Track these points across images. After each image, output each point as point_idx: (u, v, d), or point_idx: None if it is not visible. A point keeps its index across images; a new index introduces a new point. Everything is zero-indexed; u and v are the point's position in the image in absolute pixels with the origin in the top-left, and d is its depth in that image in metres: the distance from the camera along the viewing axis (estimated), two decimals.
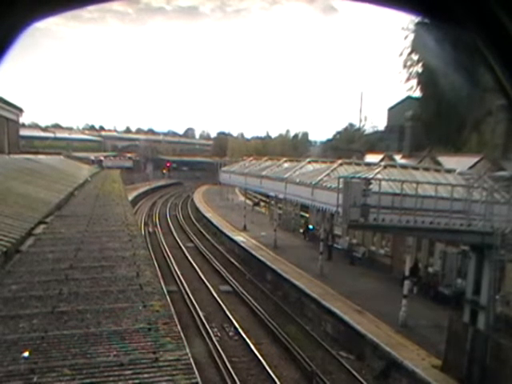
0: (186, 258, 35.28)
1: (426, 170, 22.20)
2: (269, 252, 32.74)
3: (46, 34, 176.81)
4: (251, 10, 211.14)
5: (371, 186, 17.99)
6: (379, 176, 19.89)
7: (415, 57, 42.00)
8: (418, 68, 42.15)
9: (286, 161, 36.59)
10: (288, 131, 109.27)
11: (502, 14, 1.22)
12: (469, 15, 1.30)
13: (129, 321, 6.70)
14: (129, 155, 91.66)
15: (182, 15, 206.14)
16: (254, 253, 32.59)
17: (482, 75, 25.42)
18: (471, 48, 1.40)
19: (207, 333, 20.54)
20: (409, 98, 45.64)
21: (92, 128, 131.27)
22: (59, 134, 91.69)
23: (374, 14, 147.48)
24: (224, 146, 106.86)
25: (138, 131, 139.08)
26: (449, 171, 21.71)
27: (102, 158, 75.64)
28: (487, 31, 1.28)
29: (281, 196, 32.45)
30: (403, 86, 44.05)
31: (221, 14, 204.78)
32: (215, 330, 21.34)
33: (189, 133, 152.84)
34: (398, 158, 33.12)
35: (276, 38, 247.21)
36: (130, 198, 38.45)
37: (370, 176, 19.69)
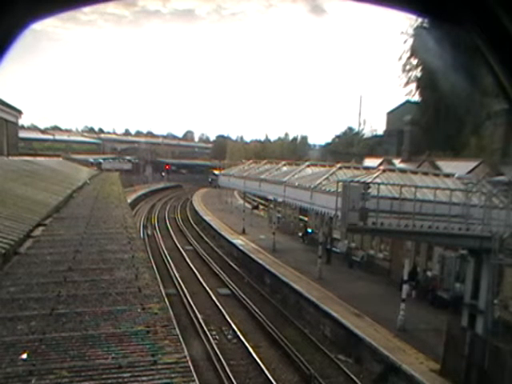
0: (185, 260, 35.25)
1: (425, 174, 22.23)
2: (267, 255, 32.72)
3: (44, 36, 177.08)
4: (247, 13, 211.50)
5: (370, 190, 18.02)
6: (378, 180, 19.93)
7: (414, 61, 42.14)
8: (417, 72, 42.28)
9: (285, 164, 36.65)
10: (287, 134, 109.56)
11: (502, 14, 1.23)
12: (469, 15, 1.30)
13: (127, 323, 6.69)
14: (128, 158, 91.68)
15: (178, 18, 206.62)
16: (252, 256, 32.57)
17: (481, 79, 25.53)
18: (470, 51, 1.42)
19: (206, 336, 20.51)
20: (408, 102, 45.72)
21: (91, 130, 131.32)
22: (58, 136, 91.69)
23: (374, 16, 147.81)
24: (223, 149, 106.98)
25: (138, 134, 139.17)
26: (447, 175, 21.74)
27: (101, 161, 75.66)
28: (487, 31, 1.29)
29: (280, 199, 32.48)
30: (402, 90, 44.26)
31: (217, 17, 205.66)
32: (214, 333, 21.32)
33: (188, 136, 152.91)
34: (397, 162, 33.16)
35: (274, 40, 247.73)
36: (129, 200, 38.43)
37: (369, 180, 19.73)
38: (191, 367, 5.59)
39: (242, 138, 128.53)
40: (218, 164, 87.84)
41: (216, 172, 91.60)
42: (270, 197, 36.51)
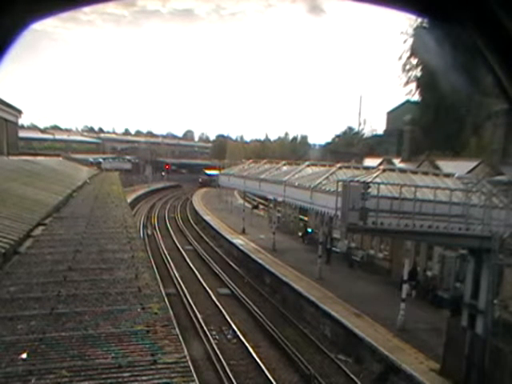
0: (185, 260, 35.26)
1: (425, 174, 22.23)
2: (267, 255, 32.72)
3: (44, 36, 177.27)
4: (246, 13, 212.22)
5: (370, 190, 18.01)
6: (378, 180, 19.91)
7: (414, 61, 42.16)
8: (417, 72, 42.29)
9: (284, 164, 36.63)
10: (287, 134, 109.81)
11: (502, 14, 1.23)
12: (469, 15, 1.30)
13: (127, 323, 6.69)
14: (128, 157, 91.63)
15: (177, 18, 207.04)
16: (252, 256, 32.56)
17: (481, 79, 25.52)
18: (470, 51, 1.41)
19: (206, 336, 20.51)
20: (408, 101, 45.74)
21: (91, 130, 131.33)
22: (58, 136, 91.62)
23: (374, 16, 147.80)
24: (223, 149, 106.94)
25: (137, 133, 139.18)
26: (447, 175, 21.73)
27: (101, 160, 75.63)
28: (487, 31, 1.29)
29: (280, 199, 32.47)
30: (402, 90, 44.30)
31: (216, 17, 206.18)
32: (214, 332, 21.32)
33: (188, 135, 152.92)
34: (397, 162, 33.15)
35: (273, 40, 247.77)
36: (129, 200, 38.43)
37: (369, 180, 19.71)
38: (191, 367, 5.60)
39: (241, 137, 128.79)
40: (217, 164, 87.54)
41: (208, 172, 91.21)
42: (270, 196, 36.52)
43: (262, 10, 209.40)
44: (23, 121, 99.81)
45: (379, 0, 1.53)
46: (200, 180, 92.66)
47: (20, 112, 35.40)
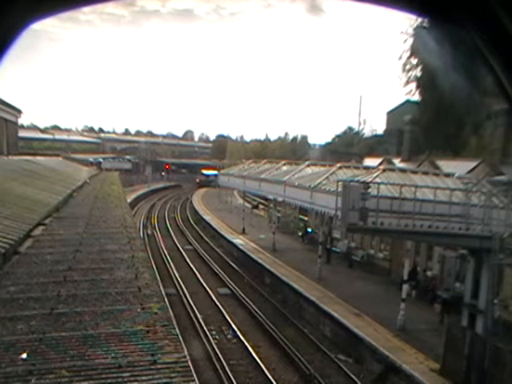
0: (185, 260, 35.25)
1: (425, 173, 22.23)
2: (267, 255, 32.71)
3: (44, 36, 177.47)
4: (246, 13, 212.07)
5: (370, 190, 18.01)
6: (378, 180, 19.91)
7: (414, 60, 42.18)
8: (417, 72, 42.31)
9: (284, 164, 36.64)
10: (287, 134, 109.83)
11: (502, 14, 1.23)
12: (469, 15, 1.30)
13: (127, 323, 6.70)
14: (128, 157, 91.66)
15: (177, 18, 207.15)
16: (252, 256, 32.55)
17: (481, 79, 25.53)
18: (471, 50, 1.41)
19: (206, 335, 20.51)
20: (408, 101, 45.76)
21: (91, 130, 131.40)
22: (58, 136, 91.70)
23: (374, 16, 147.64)
24: (223, 149, 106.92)
25: (137, 133, 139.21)
26: (447, 175, 21.72)
27: (101, 160, 75.66)
28: (487, 31, 1.29)
29: (280, 199, 32.46)
30: (402, 90, 44.31)
31: (216, 17, 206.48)
32: (214, 332, 21.32)
33: (188, 135, 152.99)
34: (397, 162, 33.15)
35: (273, 40, 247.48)
36: (129, 200, 38.44)
37: (369, 179, 19.72)
38: (191, 367, 5.60)
39: (242, 137, 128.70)
40: (216, 164, 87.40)
41: (206, 172, 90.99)
42: (270, 196, 36.51)
43: (261, 9, 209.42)
44: (23, 121, 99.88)
45: (379, 0, 1.53)
46: (197, 180, 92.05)
47: (20, 112, 35.44)
